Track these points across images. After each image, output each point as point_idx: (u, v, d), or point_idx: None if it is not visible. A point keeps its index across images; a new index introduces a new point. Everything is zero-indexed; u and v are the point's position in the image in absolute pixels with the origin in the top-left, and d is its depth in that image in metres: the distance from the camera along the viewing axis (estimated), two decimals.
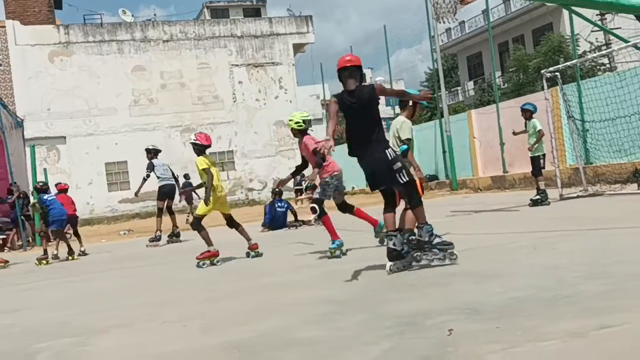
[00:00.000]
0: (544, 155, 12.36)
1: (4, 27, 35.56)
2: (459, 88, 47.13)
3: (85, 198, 31.73)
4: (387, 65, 34.59)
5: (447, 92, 31.05)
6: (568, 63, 16.39)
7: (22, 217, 17.04)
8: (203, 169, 8.58)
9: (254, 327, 4.29)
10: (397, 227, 6.18)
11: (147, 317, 5.22)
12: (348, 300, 4.84)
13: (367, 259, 7.19)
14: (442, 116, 25.09)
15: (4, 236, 17.32)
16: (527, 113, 12.44)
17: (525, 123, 12.50)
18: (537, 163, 12.27)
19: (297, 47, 39.13)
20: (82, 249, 13.21)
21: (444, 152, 25.38)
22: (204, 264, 8.38)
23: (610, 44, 30.92)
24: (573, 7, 12.92)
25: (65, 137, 33.70)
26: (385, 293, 4.98)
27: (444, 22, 12.60)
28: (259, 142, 36.66)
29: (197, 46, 36.30)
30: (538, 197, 11.95)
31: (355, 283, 5.66)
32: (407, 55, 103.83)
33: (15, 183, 17.48)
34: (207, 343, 4.03)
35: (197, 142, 8.91)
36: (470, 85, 44.03)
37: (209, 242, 8.54)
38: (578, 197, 12.92)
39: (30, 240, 17.62)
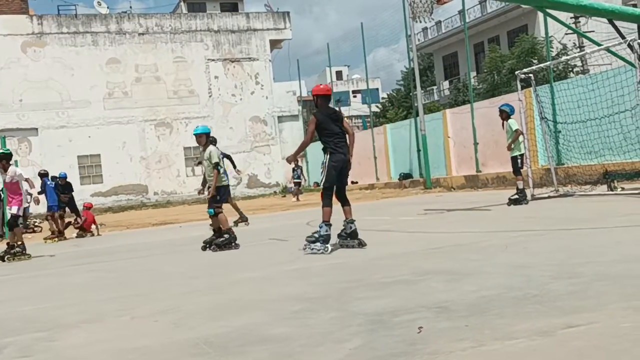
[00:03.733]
0: (522, 155, 12.50)
1: None
2: (434, 87, 47.42)
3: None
4: (364, 63, 34.66)
5: (422, 91, 31.23)
6: (542, 65, 16.59)
7: None
8: None
9: (227, 323, 4.28)
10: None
11: (118, 312, 5.17)
12: (320, 298, 4.86)
13: (339, 257, 7.21)
14: (417, 115, 25.23)
15: None
16: (504, 114, 12.57)
17: (503, 124, 12.63)
18: (514, 162, 12.42)
19: (274, 43, 39.05)
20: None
21: (418, 150, 25.54)
22: None
23: (584, 47, 31.35)
24: (547, 10, 13.08)
25: (37, 129, 33.22)
26: (357, 291, 4.99)
27: (420, 22, 12.66)
28: (235, 137, 36.50)
29: (173, 40, 36.03)
30: (517, 196, 12.10)
31: (327, 280, 5.67)
32: (384, 54, 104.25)
33: None
34: (177, 338, 4.01)
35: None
36: (445, 84, 44.33)
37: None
38: (549, 197, 13.09)
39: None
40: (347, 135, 7.90)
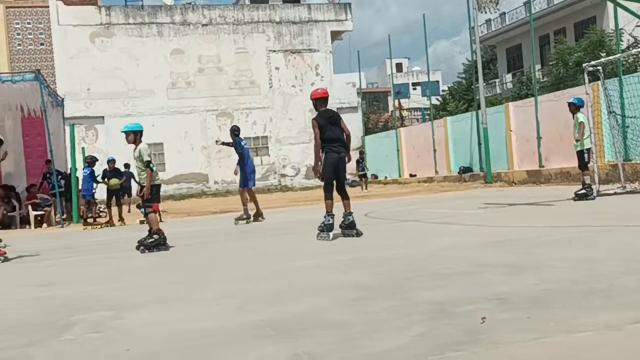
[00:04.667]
0: (588, 149, 12.18)
1: (48, 7, 36.13)
2: (496, 80, 46.51)
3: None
4: (425, 55, 34.32)
5: (484, 84, 30.70)
6: (611, 57, 16.07)
7: (58, 194, 17.37)
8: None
9: (287, 308, 4.34)
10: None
11: (181, 295, 5.29)
12: (379, 286, 4.86)
13: (396, 248, 7.20)
14: (479, 108, 24.83)
15: (42, 212, 17.71)
16: (571, 107, 12.28)
17: (574, 117, 12.33)
18: (581, 157, 12.13)
19: (335, 35, 39.04)
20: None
21: (479, 144, 25.16)
22: None
23: None
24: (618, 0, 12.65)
25: (103, 117, 34.22)
26: (416, 280, 4.98)
27: (485, 12, 12.46)
28: (294, 128, 36.74)
29: (235, 31, 36.47)
30: (583, 191, 11.82)
31: (385, 270, 5.66)
32: (446, 47, 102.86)
33: (50, 161, 17.81)
34: (239, 321, 4.08)
35: None
36: (508, 77, 43.42)
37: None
38: (615, 194, 12.71)
39: (66, 217, 17.96)
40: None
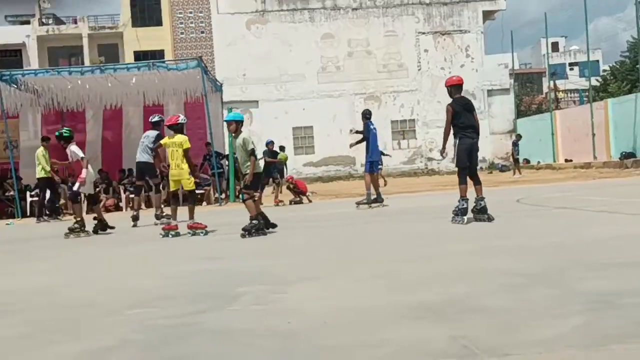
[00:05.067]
0: None
1: None
2: None
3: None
4: (585, 33, 32.39)
5: None
6: None
7: (217, 174, 18.38)
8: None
9: (441, 290, 4.37)
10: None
11: (336, 273, 5.47)
12: (536, 274, 4.75)
13: (549, 235, 6.98)
14: None
15: (202, 191, 18.84)
16: None
17: None
18: None
19: (487, 15, 37.86)
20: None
21: None
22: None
23: None
24: None
25: (257, 102, 35.68)
26: (575, 270, 4.81)
27: None
28: (442, 111, 35.74)
29: (385, 14, 36.47)
30: None
31: (541, 258, 5.52)
32: (607, 23, 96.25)
33: (209, 143, 18.84)
34: (393, 301, 4.17)
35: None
36: None
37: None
38: None
39: (224, 196, 18.96)
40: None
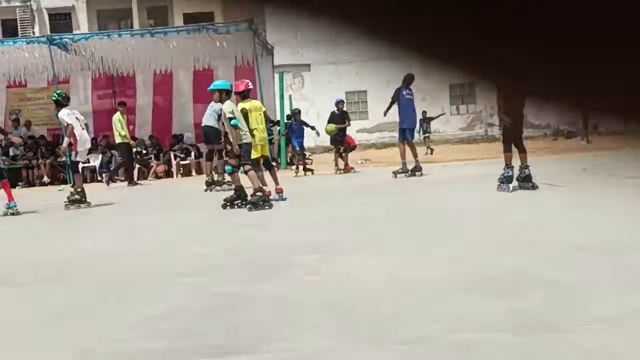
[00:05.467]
0: None
1: None
2: None
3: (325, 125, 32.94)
4: None
5: None
6: None
7: (268, 141, 17.95)
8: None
9: (502, 262, 4.26)
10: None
11: (392, 244, 5.38)
12: (596, 248, 4.50)
13: (612, 206, 6.44)
14: None
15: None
16: None
17: None
18: None
19: None
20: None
21: None
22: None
23: None
24: None
25: (309, 65, 35.02)
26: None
27: None
28: None
29: None
30: None
31: (609, 233, 5.15)
32: None
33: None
34: (451, 272, 4.09)
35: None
36: None
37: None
38: None
39: (275, 163, 18.57)
40: None
